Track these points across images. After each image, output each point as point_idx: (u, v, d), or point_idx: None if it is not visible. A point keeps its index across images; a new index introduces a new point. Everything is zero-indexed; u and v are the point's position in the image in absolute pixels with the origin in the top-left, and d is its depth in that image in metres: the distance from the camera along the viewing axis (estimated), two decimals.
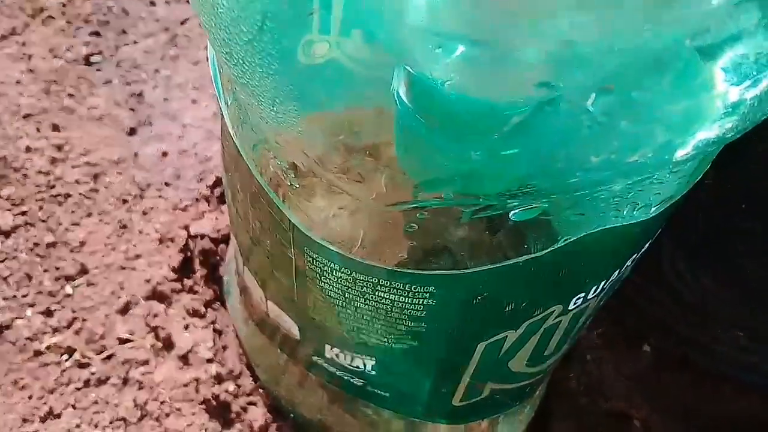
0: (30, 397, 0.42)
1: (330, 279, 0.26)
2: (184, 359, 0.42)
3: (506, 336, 0.28)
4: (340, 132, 0.20)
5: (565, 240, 0.24)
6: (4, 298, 0.44)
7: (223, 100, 0.25)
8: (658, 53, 0.16)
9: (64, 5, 0.54)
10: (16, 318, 0.44)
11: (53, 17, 0.53)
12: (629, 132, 0.17)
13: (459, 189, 0.19)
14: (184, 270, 0.44)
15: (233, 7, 0.18)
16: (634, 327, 0.45)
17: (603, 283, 0.28)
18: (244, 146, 0.25)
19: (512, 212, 0.21)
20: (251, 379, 0.42)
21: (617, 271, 0.28)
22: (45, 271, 0.44)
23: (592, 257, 0.25)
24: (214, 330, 0.43)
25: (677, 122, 0.18)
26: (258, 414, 0.41)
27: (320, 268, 0.25)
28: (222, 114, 0.26)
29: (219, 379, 0.41)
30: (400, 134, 0.20)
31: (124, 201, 0.47)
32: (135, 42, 0.52)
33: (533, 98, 0.17)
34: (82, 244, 0.45)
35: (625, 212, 0.24)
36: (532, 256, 0.24)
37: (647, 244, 0.29)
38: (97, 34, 0.52)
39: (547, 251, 0.24)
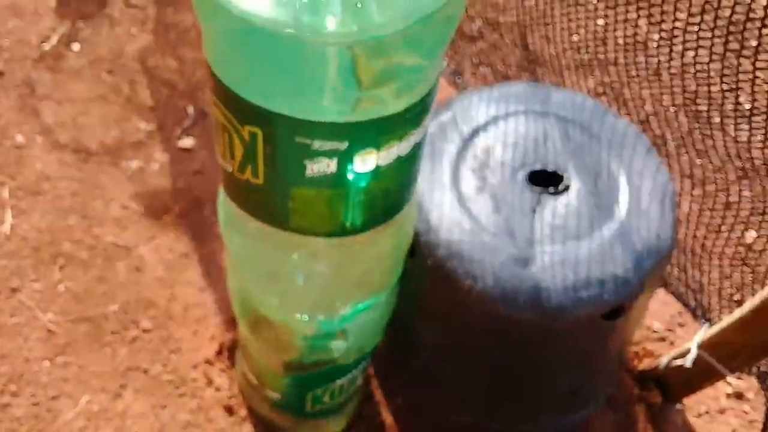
0: (160, 397, 1.08)
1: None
2: (217, 385, 1.08)
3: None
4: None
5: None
6: (163, 365, 1.11)
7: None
8: None
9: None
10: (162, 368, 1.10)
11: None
12: None
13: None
14: (221, 355, 1.11)
15: None
16: (390, 384, 1.11)
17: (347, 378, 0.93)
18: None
19: None
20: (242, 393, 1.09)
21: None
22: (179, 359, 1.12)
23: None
24: (232, 376, 1.10)
25: None
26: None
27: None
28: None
29: (232, 390, 1.08)
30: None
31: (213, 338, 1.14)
32: None
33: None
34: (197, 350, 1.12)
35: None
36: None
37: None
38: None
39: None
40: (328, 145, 0.56)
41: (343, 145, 0.56)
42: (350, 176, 0.59)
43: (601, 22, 0.84)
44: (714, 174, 0.83)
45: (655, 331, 1.17)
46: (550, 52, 0.93)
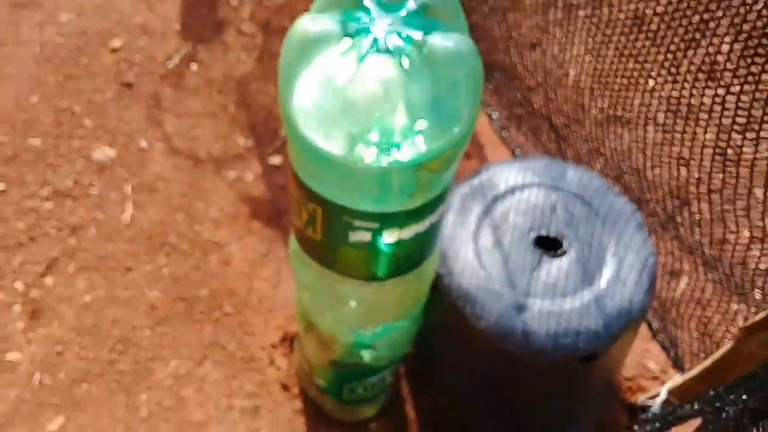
0: (233, 369, 1.36)
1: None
2: (278, 365, 1.35)
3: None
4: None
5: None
6: (238, 343, 1.38)
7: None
8: None
9: None
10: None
11: None
12: None
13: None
14: (283, 342, 1.37)
15: None
16: (416, 384, 1.34)
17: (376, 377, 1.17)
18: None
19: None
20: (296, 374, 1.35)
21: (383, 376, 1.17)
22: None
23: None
24: (290, 360, 1.36)
25: None
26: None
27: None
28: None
29: (289, 372, 1.34)
30: None
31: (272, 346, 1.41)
32: None
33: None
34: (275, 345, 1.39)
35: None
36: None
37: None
38: None
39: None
40: (364, 225, 0.80)
41: (375, 225, 0.80)
42: (380, 244, 0.82)
43: (597, 129, 1.04)
44: (686, 254, 1.02)
45: (650, 370, 1.36)
46: (569, 133, 1.13)
